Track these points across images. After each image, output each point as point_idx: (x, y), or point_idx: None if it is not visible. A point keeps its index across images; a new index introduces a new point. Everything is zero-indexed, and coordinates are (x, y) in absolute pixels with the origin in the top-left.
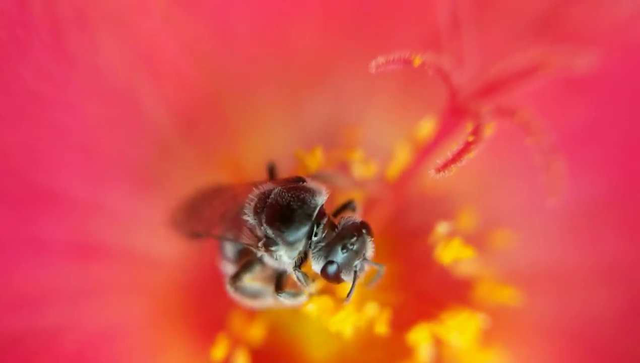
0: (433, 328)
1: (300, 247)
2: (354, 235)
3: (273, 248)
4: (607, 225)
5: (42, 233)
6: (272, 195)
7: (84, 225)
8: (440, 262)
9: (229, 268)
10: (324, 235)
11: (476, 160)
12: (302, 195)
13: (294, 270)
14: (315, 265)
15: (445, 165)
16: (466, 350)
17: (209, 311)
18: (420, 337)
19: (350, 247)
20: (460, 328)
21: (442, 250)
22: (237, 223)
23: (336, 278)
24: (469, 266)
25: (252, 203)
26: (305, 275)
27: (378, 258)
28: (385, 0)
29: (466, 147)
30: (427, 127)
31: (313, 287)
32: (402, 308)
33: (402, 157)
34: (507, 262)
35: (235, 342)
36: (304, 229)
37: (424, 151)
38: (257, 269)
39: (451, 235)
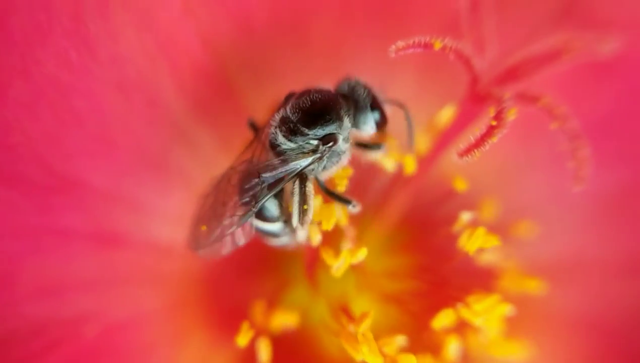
0: (459, 312)
1: (349, 122)
2: (362, 86)
3: (335, 142)
4: (628, 217)
5: (63, 222)
6: (293, 108)
7: (104, 214)
8: (463, 251)
9: (276, 226)
10: (347, 107)
11: (496, 150)
12: (317, 88)
13: (358, 146)
14: (369, 126)
15: (468, 150)
16: (492, 339)
17: (229, 300)
18: (445, 321)
19: (369, 94)
20: (487, 314)
21: (467, 240)
22: (262, 172)
23: (385, 120)
24: (492, 256)
25: (280, 131)
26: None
27: (400, 250)
28: None
29: (489, 132)
30: (445, 116)
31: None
32: (425, 296)
33: (420, 147)
34: (530, 252)
35: (257, 331)
36: (345, 108)
37: (443, 139)
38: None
39: (474, 224)
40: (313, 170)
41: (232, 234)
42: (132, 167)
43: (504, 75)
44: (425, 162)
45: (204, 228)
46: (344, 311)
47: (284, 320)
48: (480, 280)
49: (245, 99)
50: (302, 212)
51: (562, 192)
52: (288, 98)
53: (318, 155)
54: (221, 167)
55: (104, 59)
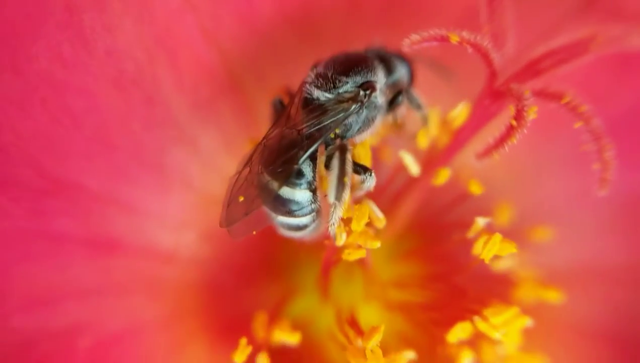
0: (476, 325)
1: (382, 74)
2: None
3: (374, 89)
4: None
5: (55, 227)
6: (328, 64)
7: (100, 219)
8: (478, 259)
9: (304, 196)
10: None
11: (511, 151)
12: (347, 51)
13: (391, 106)
14: (401, 72)
15: (487, 152)
16: (508, 352)
17: (230, 310)
18: (461, 335)
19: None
20: (506, 327)
21: (483, 247)
22: (300, 125)
23: (412, 63)
24: (507, 262)
25: (316, 86)
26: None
27: (410, 256)
28: None
29: (508, 132)
30: (461, 115)
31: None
32: (439, 307)
33: (434, 145)
34: (546, 258)
35: (257, 346)
36: (376, 60)
37: (458, 138)
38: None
39: (490, 230)
40: (350, 128)
41: (270, 203)
42: (130, 168)
43: (524, 71)
44: (439, 161)
45: (241, 198)
46: (352, 324)
47: (287, 334)
48: (496, 288)
49: (248, 96)
50: (341, 185)
51: (580, 195)
52: (316, 64)
53: (358, 103)
54: (223, 167)
55: (100, 53)
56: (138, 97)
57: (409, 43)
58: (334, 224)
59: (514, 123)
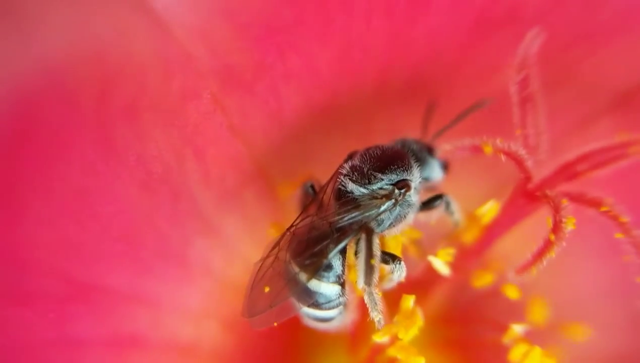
0: None
1: (418, 172)
2: (412, 140)
3: (409, 188)
4: None
5: (76, 331)
6: (364, 157)
7: (122, 317)
8: None
9: (333, 290)
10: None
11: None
12: (383, 145)
13: (424, 207)
14: (436, 171)
15: (526, 267)
16: None
17: None
18: None
19: (422, 144)
20: None
21: (521, 359)
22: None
23: (448, 162)
24: None
25: (351, 179)
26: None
27: (438, 347)
28: (444, 67)
29: (547, 247)
30: (491, 210)
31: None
32: None
33: (463, 240)
34: (580, 355)
35: None
36: (413, 158)
37: (488, 235)
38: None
39: (527, 337)
40: (381, 224)
41: (297, 294)
42: (153, 264)
43: (558, 174)
44: (468, 258)
45: (266, 289)
46: None
47: None
48: None
49: (273, 182)
50: (369, 269)
51: (612, 288)
52: (351, 155)
53: (392, 201)
54: (246, 254)
55: (130, 160)
56: (165, 195)
57: (441, 151)
58: (374, 310)
59: (552, 237)
